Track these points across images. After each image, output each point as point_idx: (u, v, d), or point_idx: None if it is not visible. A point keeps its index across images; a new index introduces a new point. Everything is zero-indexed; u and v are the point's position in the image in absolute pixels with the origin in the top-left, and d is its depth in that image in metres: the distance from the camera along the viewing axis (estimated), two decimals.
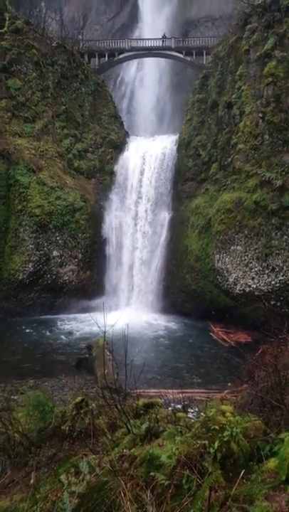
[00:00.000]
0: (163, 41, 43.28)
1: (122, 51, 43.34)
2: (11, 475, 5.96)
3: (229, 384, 16.48)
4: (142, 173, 35.05)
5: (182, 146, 34.66)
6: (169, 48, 42.71)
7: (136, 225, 34.51)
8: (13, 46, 33.76)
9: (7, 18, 34.49)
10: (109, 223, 34.74)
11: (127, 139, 38.76)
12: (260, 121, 27.48)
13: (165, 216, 33.91)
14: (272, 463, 4.37)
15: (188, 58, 42.08)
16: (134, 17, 60.91)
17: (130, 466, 4.58)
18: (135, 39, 46.71)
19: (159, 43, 43.26)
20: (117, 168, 36.33)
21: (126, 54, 43.54)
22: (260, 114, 27.41)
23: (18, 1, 41.02)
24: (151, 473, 4.27)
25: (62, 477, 4.68)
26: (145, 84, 59.86)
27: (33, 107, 33.84)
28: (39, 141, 33.34)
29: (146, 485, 4.14)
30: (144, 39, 45.77)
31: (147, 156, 35.40)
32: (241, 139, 28.38)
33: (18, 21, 35.01)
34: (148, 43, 43.66)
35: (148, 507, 3.79)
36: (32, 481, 5.05)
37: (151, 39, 44.26)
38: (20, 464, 6.22)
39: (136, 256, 34.04)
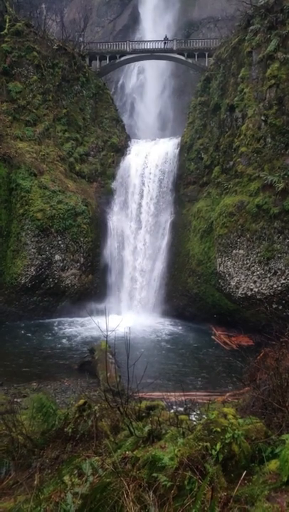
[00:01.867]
0: (165, 43, 43.18)
1: (123, 53, 43.28)
2: (14, 476, 6.00)
3: (231, 387, 16.52)
4: (143, 176, 35.10)
5: (184, 149, 34.72)
6: (171, 50, 42.58)
7: (138, 228, 34.57)
8: (13, 49, 33.89)
9: (7, 20, 34.54)
10: (110, 227, 34.80)
11: (129, 143, 38.81)
12: (263, 124, 27.49)
13: (167, 220, 33.94)
14: (273, 464, 4.41)
15: (190, 60, 42.02)
16: (135, 19, 60.83)
17: (133, 467, 4.62)
18: (136, 41, 46.52)
19: (161, 45, 43.13)
20: (118, 172, 36.39)
21: (127, 56, 43.45)
22: (263, 117, 27.42)
23: (18, 2, 40.97)
24: (154, 475, 4.31)
25: (66, 478, 4.72)
26: (146, 91, 59.53)
27: (34, 111, 33.94)
28: (40, 145, 33.42)
29: (149, 486, 4.17)
30: (145, 41, 45.61)
31: (149, 159, 35.44)
32: (243, 141, 28.41)
33: (19, 23, 35.05)
34: (149, 45, 43.54)
35: (150, 508, 3.82)
36: (36, 483, 5.09)
37: (153, 41, 44.14)
38: (24, 465, 6.27)
39: (138, 260, 34.08)
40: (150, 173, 34.94)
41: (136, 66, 57.39)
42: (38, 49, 35.00)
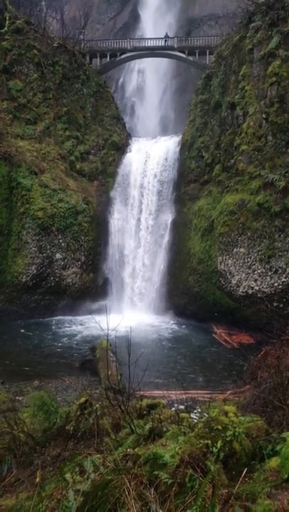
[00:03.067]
0: (165, 41, 43.04)
1: (123, 51, 43.11)
2: (16, 474, 6.03)
3: (232, 385, 16.52)
4: (144, 174, 35.04)
5: (185, 147, 34.66)
6: (172, 48, 42.39)
7: (138, 227, 34.52)
8: (13, 47, 33.79)
9: (7, 18, 34.41)
10: (111, 226, 34.76)
11: (130, 141, 38.73)
12: (264, 121, 27.43)
13: (168, 218, 33.90)
14: (274, 462, 4.43)
15: (190, 58, 41.89)
16: (135, 16, 60.54)
17: (134, 465, 4.64)
18: (137, 39, 46.31)
19: (162, 43, 42.93)
20: (119, 169, 36.33)
21: (128, 54, 43.29)
22: (264, 115, 27.35)
23: (18, 0, 40.86)
24: (155, 472, 4.32)
25: (67, 476, 4.74)
26: (146, 91, 59.02)
27: (35, 109, 33.88)
28: (41, 143, 33.40)
29: (150, 483, 4.19)
30: (146, 39, 45.42)
31: (150, 157, 35.39)
32: (244, 140, 28.36)
33: (19, 21, 34.93)
34: (150, 43, 43.32)
35: (152, 505, 3.84)
36: (37, 480, 5.12)
37: (154, 38, 43.95)
38: (26, 463, 6.30)
39: (139, 258, 34.06)
40: (149, 183, 34.74)
41: (136, 64, 57.10)
42: (39, 47, 34.92)
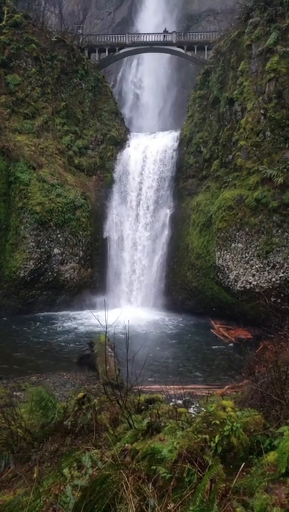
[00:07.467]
0: (164, 36, 42.85)
1: (122, 46, 42.91)
2: (14, 469, 6.03)
3: (230, 380, 16.57)
4: (142, 169, 34.97)
5: (183, 142, 34.62)
6: (170, 43, 42.27)
7: (137, 222, 34.48)
8: (12, 41, 33.65)
9: (6, 12, 34.27)
10: (110, 221, 34.72)
11: (128, 136, 38.63)
12: (262, 117, 27.39)
13: (166, 214, 33.87)
14: (271, 456, 4.43)
15: (189, 53, 41.74)
16: (134, 11, 60.38)
17: (132, 460, 4.64)
18: (136, 34, 46.12)
19: (160, 38, 42.76)
20: (117, 164, 36.23)
21: (126, 49, 43.09)
22: (262, 111, 27.32)
23: None
24: (153, 467, 4.33)
25: (65, 471, 4.74)
26: (145, 96, 58.97)
27: (33, 103, 33.77)
28: (39, 138, 33.30)
29: (148, 478, 4.20)
30: (144, 34, 45.25)
31: (148, 153, 35.31)
32: (243, 135, 28.33)
33: (17, 15, 34.77)
34: (149, 38, 43.14)
35: (150, 499, 3.85)
36: (35, 475, 5.12)
37: (152, 34, 43.82)
38: (24, 458, 6.29)
39: (137, 254, 34.04)
40: (147, 178, 34.60)
41: (133, 67, 56.93)
42: (37, 41, 34.78)
